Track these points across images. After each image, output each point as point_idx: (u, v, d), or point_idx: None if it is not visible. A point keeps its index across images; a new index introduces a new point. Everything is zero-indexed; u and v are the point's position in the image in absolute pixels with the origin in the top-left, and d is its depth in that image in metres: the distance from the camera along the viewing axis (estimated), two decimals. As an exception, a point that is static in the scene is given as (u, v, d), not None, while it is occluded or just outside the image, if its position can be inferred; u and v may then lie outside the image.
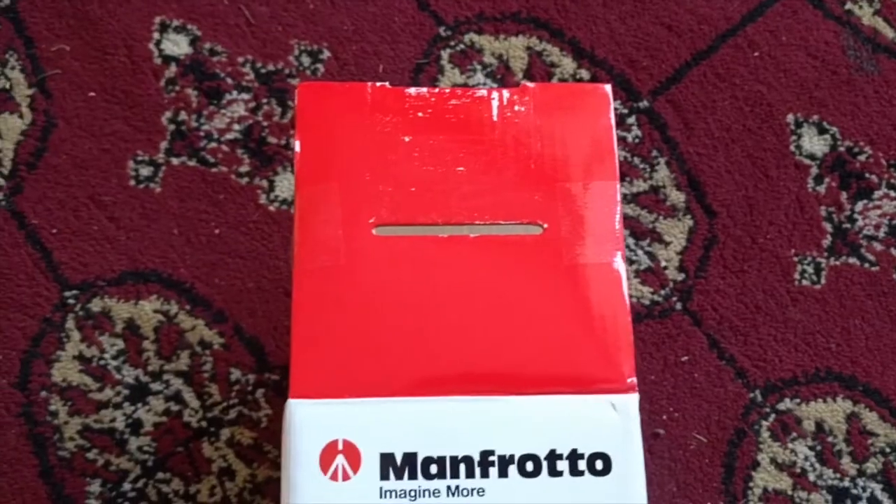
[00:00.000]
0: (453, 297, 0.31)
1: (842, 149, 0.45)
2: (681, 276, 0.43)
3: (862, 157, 0.45)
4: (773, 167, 0.45)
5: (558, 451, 0.29)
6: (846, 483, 0.41)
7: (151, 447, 0.40)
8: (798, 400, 0.42)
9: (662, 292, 0.43)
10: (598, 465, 0.29)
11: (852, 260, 0.44)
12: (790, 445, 0.41)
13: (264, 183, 0.44)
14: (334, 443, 0.29)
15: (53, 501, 0.40)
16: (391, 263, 0.31)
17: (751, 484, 0.41)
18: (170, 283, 0.42)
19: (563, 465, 0.29)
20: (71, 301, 0.42)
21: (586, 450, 0.29)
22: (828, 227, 0.44)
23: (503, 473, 0.29)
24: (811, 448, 0.41)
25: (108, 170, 0.44)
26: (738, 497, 0.41)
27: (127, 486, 0.40)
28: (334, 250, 0.31)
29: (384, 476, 0.29)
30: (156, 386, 0.41)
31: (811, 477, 0.41)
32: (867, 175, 0.45)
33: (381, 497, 0.28)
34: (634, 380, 0.30)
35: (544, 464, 0.29)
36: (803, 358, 0.42)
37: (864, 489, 0.41)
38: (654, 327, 0.43)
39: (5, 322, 0.42)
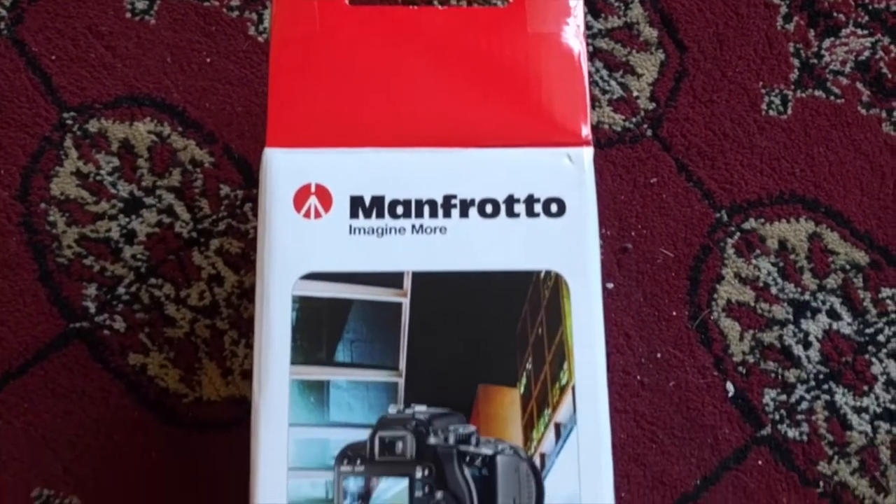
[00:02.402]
0: (422, 62, 0.33)
1: (811, -10, 0.47)
2: (652, 106, 0.45)
3: (830, -2, 0.47)
4: (744, 5, 0.46)
5: (516, 196, 0.31)
6: (807, 297, 0.43)
7: (144, 255, 0.43)
8: (762, 220, 0.44)
9: (634, 120, 0.45)
10: (553, 208, 0.31)
11: (818, 93, 0.45)
12: (754, 262, 0.43)
13: (254, 16, 0.46)
14: (307, 186, 0.31)
15: (52, 303, 0.42)
16: (364, 32, 0.33)
17: (715, 296, 0.43)
18: (163, 107, 0.44)
19: (519, 208, 0.31)
20: (69, 122, 0.44)
21: (542, 195, 0.31)
22: (795, 62, 0.46)
23: (464, 214, 0.31)
24: (774, 264, 0.43)
25: (105, 2, 0.46)
26: (702, 307, 0.43)
27: (121, 290, 0.42)
28: (309, 20, 0.33)
29: (353, 215, 0.31)
30: (149, 200, 0.43)
31: (773, 290, 0.43)
32: (835, 14, 0.46)
33: (350, 233, 0.31)
34: (589, 135, 0.31)
35: (502, 206, 0.31)
36: (768, 181, 0.44)
37: (823, 302, 0.43)
38: (625, 152, 0.44)
39: (7, 140, 0.44)
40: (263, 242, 0.30)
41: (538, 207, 0.31)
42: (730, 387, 0.42)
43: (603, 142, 0.44)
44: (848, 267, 0.43)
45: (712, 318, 0.43)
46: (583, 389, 0.29)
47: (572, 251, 0.31)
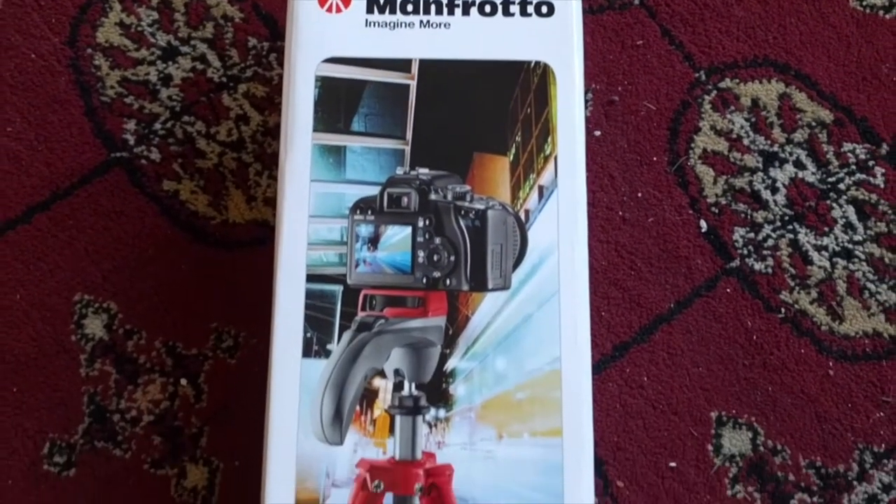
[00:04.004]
0: None
1: None
2: (640, -22, 0.50)
3: None
4: None
5: (511, -1, 0.36)
6: (775, 148, 0.47)
7: (179, 96, 0.47)
8: (737, 80, 0.48)
9: (623, -11, 0.49)
10: (544, 9, 0.35)
11: (792, -30, 0.50)
12: (728, 116, 0.48)
13: None
14: (330, -16, 0.36)
15: (96, 135, 0.47)
16: None
17: (692, 145, 0.47)
18: (199, -31, 0.49)
19: (514, 8, 0.36)
20: (114, -21, 0.49)
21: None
22: (772, -56, 0.50)
23: (466, 13, 0.35)
24: (746, 119, 0.48)
25: None
26: (680, 154, 0.47)
27: (158, 125, 0.47)
28: None
29: (369, 10, 0.35)
30: (184, 49, 0.48)
31: (745, 142, 0.47)
32: None
33: (366, 26, 0.35)
34: (577, -50, 0.36)
35: (499, 6, 0.36)
36: (743, 47, 0.49)
37: (790, 154, 0.47)
38: (615, 17, 0.49)
39: (58, -7, 0.49)
40: (290, 32, 0.35)
41: (530, 8, 0.35)
42: (703, 224, 0.46)
43: (595, 8, 0.49)
44: (814, 123, 0.48)
45: (689, 163, 0.47)
46: (563, 159, 0.34)
47: (559, 45, 0.35)
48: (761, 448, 0.44)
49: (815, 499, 0.44)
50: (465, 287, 0.33)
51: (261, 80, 0.48)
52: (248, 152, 0.47)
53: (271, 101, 0.48)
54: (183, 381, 0.44)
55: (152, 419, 0.44)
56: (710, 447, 0.44)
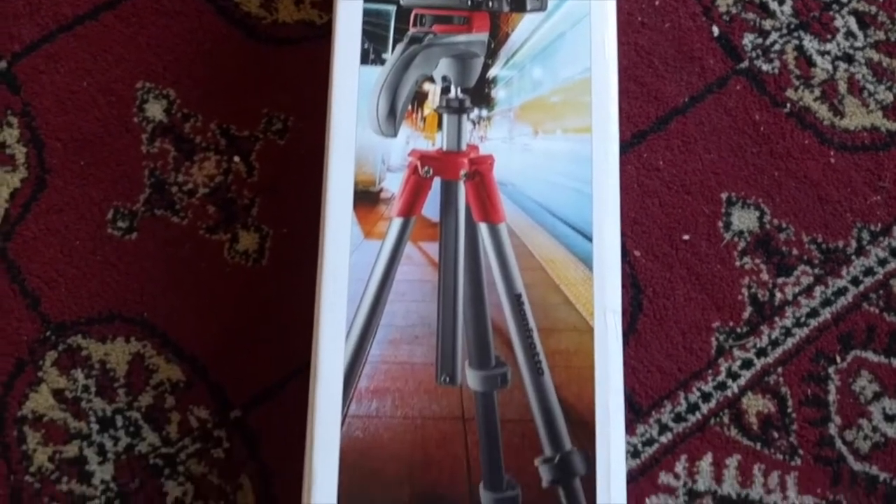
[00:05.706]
0: None
1: None
2: None
3: None
4: None
5: None
6: (782, -36, 0.51)
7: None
8: None
9: None
10: None
11: None
12: (739, -64, 0.52)
13: None
14: None
15: (156, -56, 0.51)
16: None
17: (706, -40, 0.51)
18: None
19: None
20: None
21: None
22: None
23: None
24: (756, -61, 0.52)
25: None
26: (694, -32, 0.51)
27: (213, -64, 0.51)
28: None
29: None
30: None
31: (754, -42, 0.51)
32: None
33: None
34: None
35: None
36: None
37: (796, -30, 0.51)
38: None
39: None
40: None
41: None
42: (715, 29, 0.50)
43: None
44: (818, -57, 0.52)
45: (703, -24, 0.51)
46: None
47: None
48: (767, 226, 0.48)
49: (816, 270, 0.48)
50: (506, 8, 0.37)
51: None
52: (296, -38, 0.51)
53: (318, -82, 0.52)
54: (236, 159, 0.48)
55: (207, 191, 0.48)
56: (720, 223, 0.48)
